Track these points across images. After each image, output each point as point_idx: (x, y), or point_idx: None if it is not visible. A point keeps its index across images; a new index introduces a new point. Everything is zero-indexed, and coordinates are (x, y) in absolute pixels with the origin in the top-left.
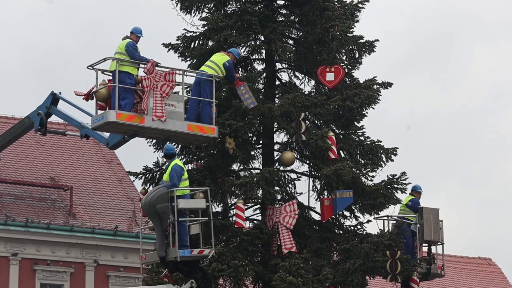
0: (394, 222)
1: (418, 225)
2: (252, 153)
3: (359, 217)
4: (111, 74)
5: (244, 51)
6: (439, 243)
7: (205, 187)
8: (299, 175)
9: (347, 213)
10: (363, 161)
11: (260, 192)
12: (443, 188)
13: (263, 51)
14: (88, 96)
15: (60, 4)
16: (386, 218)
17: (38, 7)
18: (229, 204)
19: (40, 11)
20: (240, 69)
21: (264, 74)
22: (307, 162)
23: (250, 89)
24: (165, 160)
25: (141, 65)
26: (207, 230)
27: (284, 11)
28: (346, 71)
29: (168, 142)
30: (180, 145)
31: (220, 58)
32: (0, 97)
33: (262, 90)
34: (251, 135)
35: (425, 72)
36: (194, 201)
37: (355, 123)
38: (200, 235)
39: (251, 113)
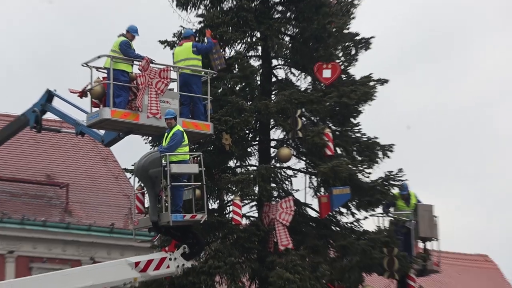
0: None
1: (414, 222)
2: (249, 149)
3: (356, 213)
4: (106, 71)
5: (240, 48)
6: (434, 239)
7: (197, 152)
8: (295, 171)
9: (344, 210)
10: (359, 158)
11: (257, 189)
12: (441, 184)
13: (259, 47)
14: (82, 94)
15: (61, 3)
16: (381, 215)
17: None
18: (226, 201)
19: (42, 10)
20: (236, 66)
21: (261, 71)
22: (304, 158)
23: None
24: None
25: (135, 63)
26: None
27: (280, 8)
28: (343, 67)
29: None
30: None
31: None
32: (2, 95)
33: (259, 86)
34: (247, 131)
35: (422, 69)
36: (186, 166)
37: (351, 119)
38: (193, 200)
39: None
